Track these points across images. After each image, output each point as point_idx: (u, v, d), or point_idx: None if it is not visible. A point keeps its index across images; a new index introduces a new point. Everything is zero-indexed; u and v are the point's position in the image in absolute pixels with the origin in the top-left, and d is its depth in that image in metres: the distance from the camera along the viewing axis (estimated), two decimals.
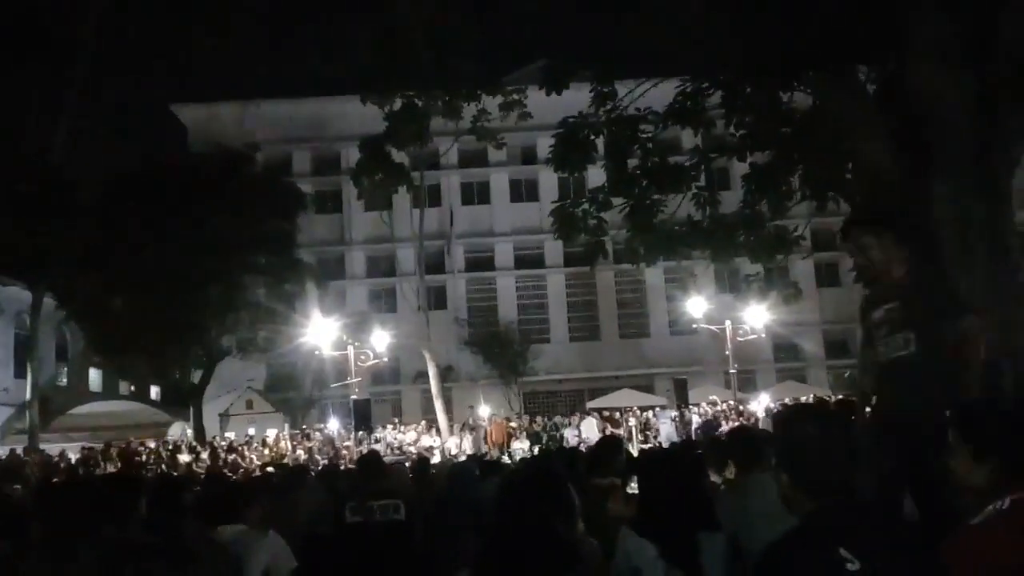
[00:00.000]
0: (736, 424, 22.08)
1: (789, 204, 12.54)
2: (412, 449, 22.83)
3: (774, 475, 2.42)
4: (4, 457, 20.18)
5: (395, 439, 24.97)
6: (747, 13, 7.68)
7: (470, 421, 26.44)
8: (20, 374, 26.87)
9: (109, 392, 34.48)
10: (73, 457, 21.10)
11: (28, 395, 23.67)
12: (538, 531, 3.20)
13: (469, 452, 21.86)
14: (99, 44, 24.54)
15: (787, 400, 24.33)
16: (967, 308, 4.06)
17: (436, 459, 17.72)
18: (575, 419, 26.49)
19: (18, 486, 11.16)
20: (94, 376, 35.86)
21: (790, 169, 11.64)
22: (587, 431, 24.05)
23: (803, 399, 23.83)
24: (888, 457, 4.00)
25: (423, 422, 27.95)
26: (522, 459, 15.05)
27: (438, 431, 26.43)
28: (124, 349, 27.67)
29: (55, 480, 12.16)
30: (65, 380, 33.72)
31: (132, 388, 36.35)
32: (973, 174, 6.49)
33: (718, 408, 26.68)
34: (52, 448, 22.46)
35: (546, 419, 27.60)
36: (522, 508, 3.35)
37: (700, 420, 24.95)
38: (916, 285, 4.15)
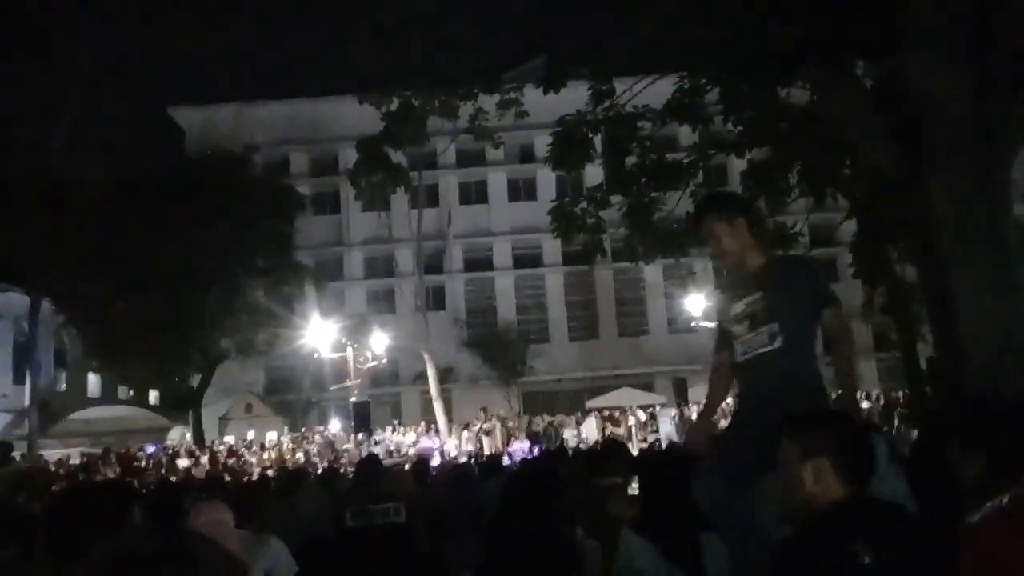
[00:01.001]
0: None
1: (787, 200, 12.58)
2: (411, 451, 22.77)
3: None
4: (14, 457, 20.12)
5: (394, 441, 24.90)
6: (744, 7, 7.66)
7: (485, 425, 25.83)
8: (19, 380, 26.79)
9: (108, 397, 34.37)
10: (73, 463, 21.03)
11: (27, 401, 23.59)
12: (540, 532, 3.18)
13: (470, 453, 21.79)
14: (96, 46, 24.41)
15: None
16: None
17: (436, 461, 17.67)
18: (574, 419, 26.41)
19: (23, 492, 11.12)
20: (93, 381, 35.78)
21: (788, 165, 11.67)
22: (587, 431, 23.99)
23: None
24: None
25: (423, 423, 27.89)
26: (522, 460, 15.02)
27: (437, 432, 26.34)
28: (123, 353, 27.63)
29: (55, 488, 12.16)
30: (64, 385, 33.66)
31: (131, 393, 36.29)
32: (971, 170, 6.45)
33: None
34: (52, 454, 22.40)
35: (545, 419, 27.46)
36: (523, 509, 3.34)
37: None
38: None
